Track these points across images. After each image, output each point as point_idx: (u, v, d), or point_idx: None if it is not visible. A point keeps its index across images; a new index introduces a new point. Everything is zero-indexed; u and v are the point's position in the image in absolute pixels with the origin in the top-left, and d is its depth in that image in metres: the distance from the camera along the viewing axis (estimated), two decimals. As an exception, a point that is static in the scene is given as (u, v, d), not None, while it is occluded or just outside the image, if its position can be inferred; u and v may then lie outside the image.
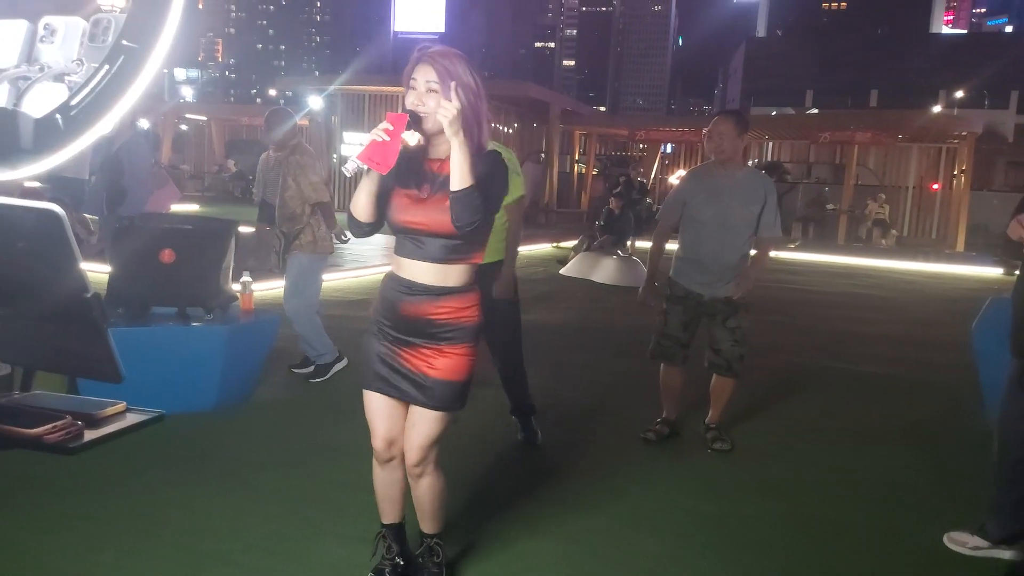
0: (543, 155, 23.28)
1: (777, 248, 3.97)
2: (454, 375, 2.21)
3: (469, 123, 2.09)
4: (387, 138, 1.99)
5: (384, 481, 2.38)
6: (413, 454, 2.26)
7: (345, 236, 8.84)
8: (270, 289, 6.79)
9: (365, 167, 2.03)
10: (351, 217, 2.16)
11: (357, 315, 6.89)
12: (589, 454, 3.84)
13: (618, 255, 10.73)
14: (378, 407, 2.28)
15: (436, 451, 2.29)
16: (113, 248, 4.26)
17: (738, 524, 3.11)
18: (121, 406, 1.40)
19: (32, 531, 2.71)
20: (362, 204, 2.12)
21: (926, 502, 3.41)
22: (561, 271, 10.80)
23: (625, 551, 2.84)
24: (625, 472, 3.58)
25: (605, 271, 10.24)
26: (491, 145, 3.47)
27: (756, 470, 3.68)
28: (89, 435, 1.31)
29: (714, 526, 3.09)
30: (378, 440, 2.31)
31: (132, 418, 1.39)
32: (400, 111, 2.10)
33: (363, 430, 3.80)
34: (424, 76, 2.09)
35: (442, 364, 2.19)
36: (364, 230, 2.17)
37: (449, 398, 2.22)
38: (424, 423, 2.24)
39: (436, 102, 2.06)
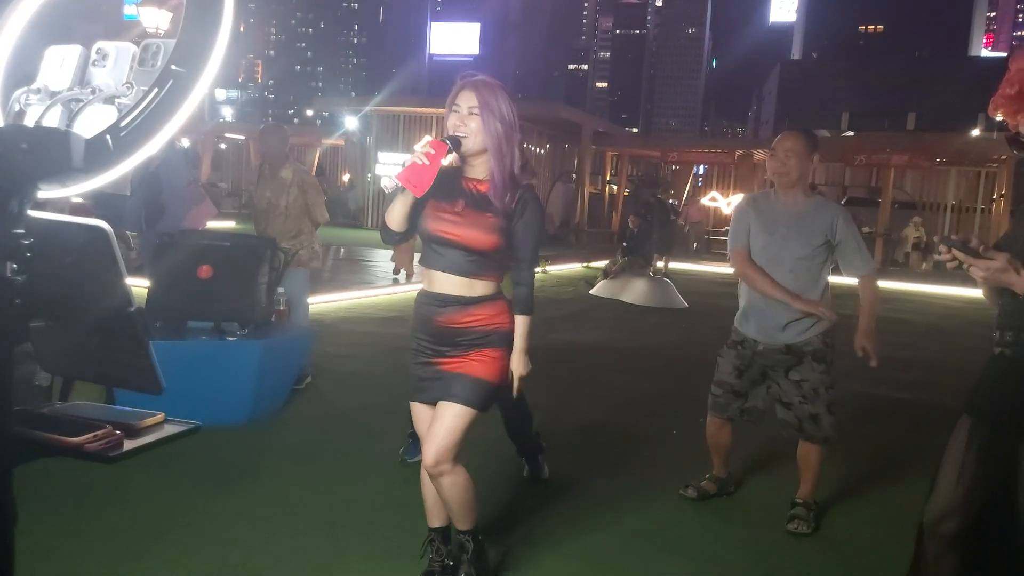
0: (574, 176, 23.35)
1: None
2: (486, 375, 2.31)
3: (502, 151, 2.25)
4: (427, 162, 2.13)
5: (432, 488, 2.44)
6: (430, 451, 2.28)
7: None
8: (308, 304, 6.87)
9: (402, 187, 2.18)
10: (384, 226, 2.33)
11: (389, 331, 6.95)
12: (618, 476, 3.82)
13: (649, 275, 10.71)
14: (424, 417, 2.40)
15: (456, 452, 2.31)
16: (153, 263, 4.36)
17: (769, 549, 3.07)
18: (159, 417, 1.44)
19: (70, 538, 2.77)
20: (397, 216, 2.28)
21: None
22: (591, 291, 10.78)
23: (653, 573, 2.82)
24: (655, 494, 3.55)
25: (635, 291, 10.21)
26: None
27: (789, 495, 3.63)
28: (128, 444, 1.34)
29: (745, 550, 3.05)
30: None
31: (170, 429, 1.43)
32: (440, 135, 2.25)
33: (392, 447, 3.82)
34: (467, 101, 2.25)
35: (476, 364, 2.30)
36: (396, 238, 2.36)
37: (477, 395, 2.29)
38: (448, 417, 2.29)
39: (477, 125, 2.23)
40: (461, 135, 2.23)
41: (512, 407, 3.59)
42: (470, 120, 2.23)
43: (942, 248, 1.99)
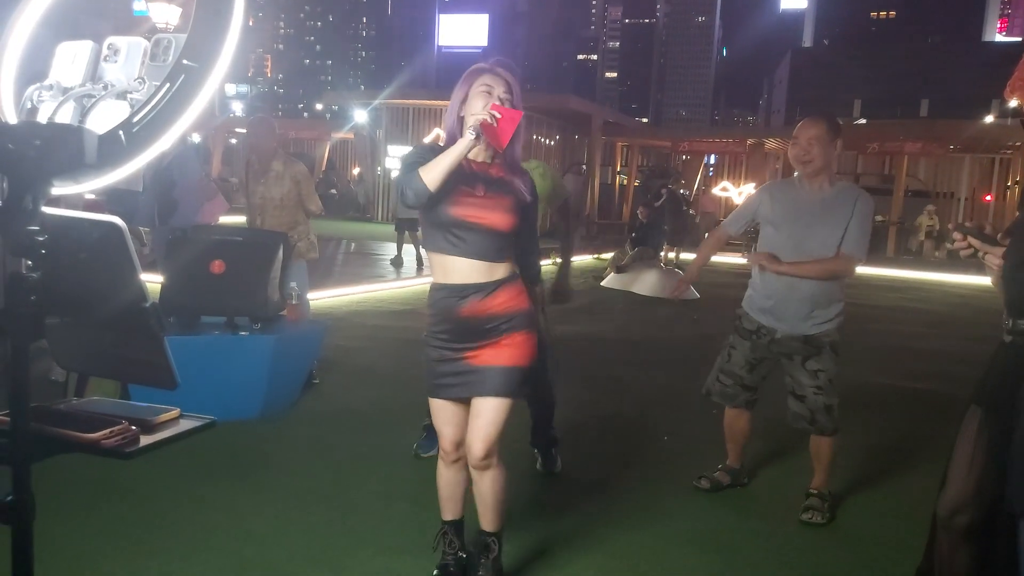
0: (584, 167, 23.28)
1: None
2: (515, 361, 2.32)
3: (521, 138, 2.33)
4: (494, 124, 2.14)
5: (448, 480, 2.47)
6: (479, 446, 2.32)
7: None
8: (316, 298, 6.89)
9: (478, 136, 2.15)
10: (415, 180, 2.16)
11: (401, 324, 6.96)
12: (629, 468, 3.81)
13: (661, 267, 10.68)
14: (447, 413, 2.40)
15: (498, 443, 2.35)
16: (166, 259, 4.38)
17: (783, 540, 3.06)
18: (175, 412, 1.44)
19: (86, 534, 2.79)
20: (439, 173, 2.15)
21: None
22: (602, 283, 10.75)
23: (668, 567, 2.81)
24: (668, 488, 3.54)
25: (646, 283, 10.18)
26: (532, 163, 3.56)
27: (802, 487, 3.61)
28: (144, 440, 1.35)
29: (759, 543, 3.04)
30: (447, 443, 2.41)
31: (185, 424, 1.43)
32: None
33: (404, 440, 3.82)
34: (502, 86, 2.28)
35: (504, 352, 2.30)
36: (421, 199, 2.18)
37: (512, 384, 2.32)
38: (489, 411, 2.31)
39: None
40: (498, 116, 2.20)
41: (540, 400, 3.60)
42: (505, 105, 2.25)
43: (956, 235, 1.96)
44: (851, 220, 3.06)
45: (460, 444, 2.40)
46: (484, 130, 2.13)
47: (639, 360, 6.30)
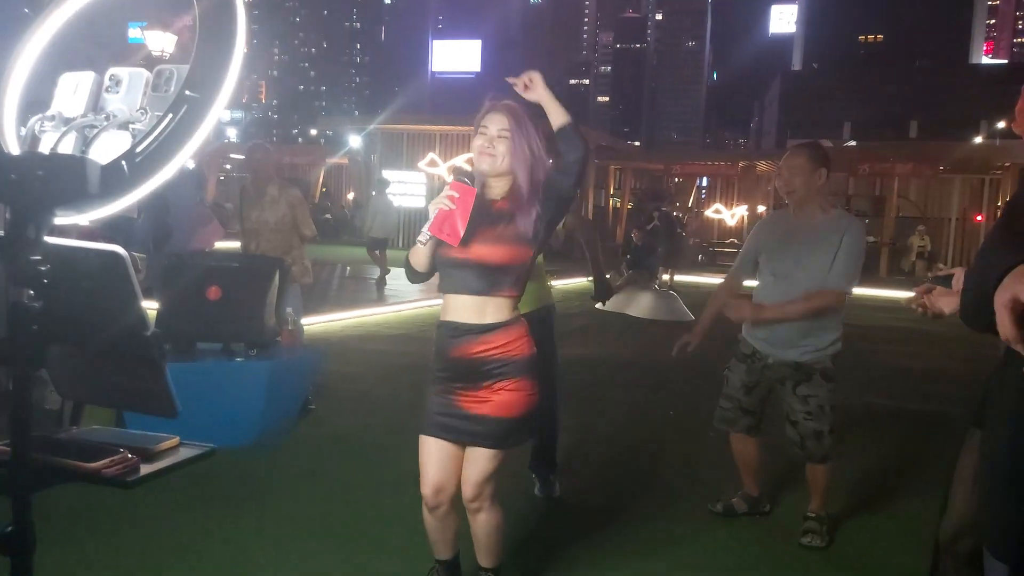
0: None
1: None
2: (507, 411, 2.24)
3: (533, 174, 2.25)
4: (452, 206, 2.12)
5: (433, 526, 2.40)
6: (468, 489, 2.31)
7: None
8: (312, 323, 6.88)
9: (433, 237, 2.17)
10: (409, 266, 2.31)
11: (398, 349, 6.95)
12: (630, 494, 3.80)
13: (655, 289, 10.71)
14: (431, 453, 2.32)
15: (492, 487, 2.33)
16: (162, 285, 4.37)
17: (784, 566, 3.05)
18: (175, 440, 1.44)
19: (83, 565, 2.76)
20: (423, 259, 2.27)
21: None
22: (597, 305, 10.75)
23: (668, 591, 2.79)
24: (668, 514, 3.52)
25: (641, 305, 10.19)
26: None
27: (800, 511, 3.60)
28: (145, 469, 1.35)
29: (760, 568, 3.03)
30: (427, 487, 2.32)
31: (185, 452, 1.43)
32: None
33: (402, 466, 3.80)
34: (497, 124, 2.24)
35: (496, 401, 2.24)
36: (421, 278, 2.33)
37: (503, 435, 2.26)
38: (479, 460, 2.28)
39: (506, 147, 2.23)
40: (487, 156, 2.23)
41: (544, 427, 3.55)
42: (499, 143, 2.22)
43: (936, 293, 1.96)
44: (838, 251, 3.05)
45: (440, 490, 2.31)
46: (438, 235, 2.14)
47: (635, 383, 6.29)
